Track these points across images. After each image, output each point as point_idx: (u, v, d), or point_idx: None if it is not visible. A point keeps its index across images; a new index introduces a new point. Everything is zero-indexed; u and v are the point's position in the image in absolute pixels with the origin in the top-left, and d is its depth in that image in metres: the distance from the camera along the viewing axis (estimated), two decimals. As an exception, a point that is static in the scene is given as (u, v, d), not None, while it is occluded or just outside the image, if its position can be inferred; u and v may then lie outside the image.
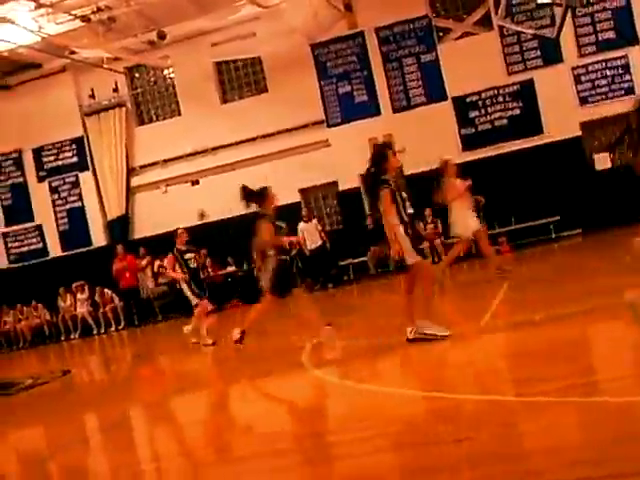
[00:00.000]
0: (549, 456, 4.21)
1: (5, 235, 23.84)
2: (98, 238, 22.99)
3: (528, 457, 4.37)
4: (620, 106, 18.90)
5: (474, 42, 19.92)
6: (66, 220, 23.25)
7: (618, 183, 18.11)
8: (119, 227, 22.70)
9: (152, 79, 23.19)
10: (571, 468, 3.96)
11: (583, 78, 19.17)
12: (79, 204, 23.16)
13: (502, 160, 19.14)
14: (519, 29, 18.79)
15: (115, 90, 22.61)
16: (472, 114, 19.85)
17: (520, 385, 6.06)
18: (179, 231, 13.12)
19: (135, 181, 22.84)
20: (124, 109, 22.64)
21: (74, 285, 21.77)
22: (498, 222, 18.56)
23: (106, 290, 21.45)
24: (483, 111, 19.80)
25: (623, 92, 18.95)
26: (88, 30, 18.99)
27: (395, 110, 20.27)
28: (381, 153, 8.43)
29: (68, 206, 23.22)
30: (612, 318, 7.89)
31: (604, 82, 19.06)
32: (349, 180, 19.69)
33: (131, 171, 22.77)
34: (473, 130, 19.88)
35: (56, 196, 23.32)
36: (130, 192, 22.75)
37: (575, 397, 5.12)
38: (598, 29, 19.10)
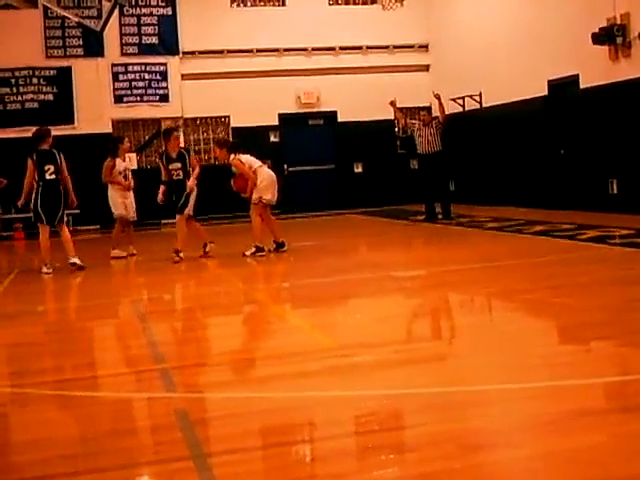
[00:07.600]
0: (34, 450, 3.89)
1: None
2: None
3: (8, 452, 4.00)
4: (154, 110, 19.31)
5: (15, 16, 18.77)
6: None
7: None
8: None
9: None
10: (56, 462, 3.67)
11: (121, 77, 19.25)
12: None
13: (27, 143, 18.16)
14: (64, 14, 18.18)
15: None
16: (1, 91, 18.67)
17: (11, 377, 5.62)
18: None
19: None
20: None
21: None
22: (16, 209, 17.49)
23: None
24: (15, 90, 18.74)
25: (158, 98, 19.40)
26: None
27: None
28: None
29: None
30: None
31: (141, 84, 19.36)
32: None
33: None
34: (1, 108, 18.71)
35: None
36: None
37: (72, 391, 4.88)
38: (142, 32, 19.36)
